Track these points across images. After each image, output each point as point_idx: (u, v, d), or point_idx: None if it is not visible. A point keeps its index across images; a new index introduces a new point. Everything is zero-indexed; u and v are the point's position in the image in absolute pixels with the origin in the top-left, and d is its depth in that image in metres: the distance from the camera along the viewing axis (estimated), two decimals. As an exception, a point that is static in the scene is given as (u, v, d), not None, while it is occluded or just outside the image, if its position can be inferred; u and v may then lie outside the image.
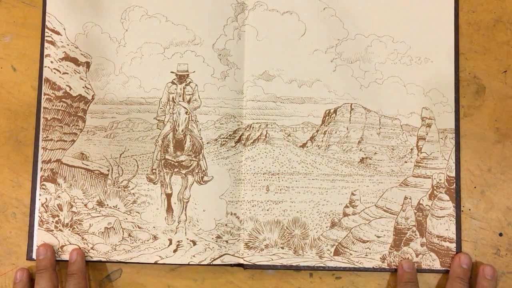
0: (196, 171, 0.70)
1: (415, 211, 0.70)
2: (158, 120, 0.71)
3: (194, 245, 0.69)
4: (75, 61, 0.71)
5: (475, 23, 0.73)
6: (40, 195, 0.70)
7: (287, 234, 0.70)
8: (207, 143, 0.70)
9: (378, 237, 0.70)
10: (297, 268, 0.70)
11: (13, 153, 0.71)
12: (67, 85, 0.71)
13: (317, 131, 0.71)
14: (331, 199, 0.70)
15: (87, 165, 0.71)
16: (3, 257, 0.70)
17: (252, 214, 0.70)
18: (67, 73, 0.71)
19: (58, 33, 0.71)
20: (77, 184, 0.70)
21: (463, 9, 0.73)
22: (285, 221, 0.70)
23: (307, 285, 0.71)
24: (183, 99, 0.71)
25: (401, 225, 0.70)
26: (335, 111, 0.71)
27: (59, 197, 0.70)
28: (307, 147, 0.71)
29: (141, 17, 0.72)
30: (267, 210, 0.70)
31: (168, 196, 0.70)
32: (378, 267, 0.69)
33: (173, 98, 0.71)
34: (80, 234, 0.69)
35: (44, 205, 0.70)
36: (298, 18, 0.72)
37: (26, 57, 0.72)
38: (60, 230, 0.69)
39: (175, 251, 0.69)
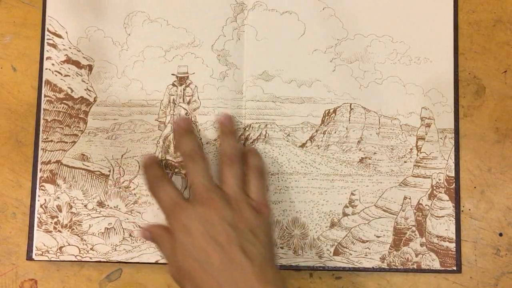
0: (196, 171, 0.70)
1: (415, 211, 0.70)
2: (159, 121, 0.71)
3: (194, 245, 0.69)
4: (77, 64, 0.72)
5: (475, 23, 0.73)
6: (39, 196, 0.70)
7: (287, 234, 0.70)
8: (206, 143, 0.71)
9: (378, 237, 0.70)
10: (297, 268, 0.70)
11: (13, 153, 0.72)
12: (68, 87, 0.71)
13: (317, 131, 0.71)
14: (331, 199, 0.70)
15: (87, 166, 0.71)
16: (3, 257, 0.71)
17: (252, 214, 0.70)
18: (69, 76, 0.71)
19: (60, 36, 0.72)
20: (77, 185, 0.70)
21: (462, 9, 0.73)
22: (285, 221, 0.70)
23: (307, 285, 0.71)
24: (183, 101, 0.71)
25: (401, 225, 0.70)
26: (334, 111, 0.71)
27: (58, 198, 0.70)
28: (306, 147, 0.71)
29: (143, 22, 0.72)
30: (267, 210, 0.70)
31: (169, 196, 0.71)
32: (377, 267, 0.69)
33: (173, 99, 0.71)
34: (79, 235, 0.70)
35: (43, 206, 0.70)
36: (297, 18, 0.72)
37: (26, 57, 0.73)
38: (59, 231, 0.70)
39: (175, 251, 0.70)
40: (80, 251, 0.69)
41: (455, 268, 0.69)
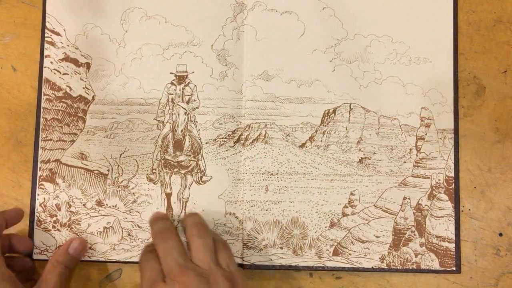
0: (195, 171, 0.70)
1: (414, 211, 0.70)
2: (158, 120, 0.71)
3: (193, 244, 0.69)
4: (75, 62, 0.72)
5: (475, 23, 0.73)
6: (38, 195, 0.70)
7: (286, 234, 0.70)
8: (206, 143, 0.70)
9: (377, 237, 0.70)
10: (297, 268, 0.70)
11: (13, 153, 0.72)
12: (67, 86, 0.71)
13: (316, 131, 0.71)
14: (330, 199, 0.70)
15: (86, 165, 0.71)
16: (3, 257, 0.71)
17: (251, 214, 0.70)
18: (67, 74, 0.71)
19: (58, 34, 0.72)
20: (76, 184, 0.70)
21: (463, 9, 0.73)
22: (284, 221, 0.70)
23: (307, 285, 0.70)
24: (182, 100, 0.71)
25: (400, 225, 0.70)
26: (334, 111, 0.71)
27: (57, 197, 0.70)
28: (306, 147, 0.71)
29: (140, 19, 0.72)
30: (266, 210, 0.70)
31: (168, 195, 0.71)
32: (377, 267, 0.69)
33: (172, 99, 0.71)
34: (78, 233, 0.69)
35: (42, 205, 0.70)
36: (297, 18, 0.72)
37: (26, 57, 0.73)
38: (58, 230, 0.70)
39: (174, 250, 0.69)
40: (78, 250, 0.69)
41: (454, 268, 0.69)
